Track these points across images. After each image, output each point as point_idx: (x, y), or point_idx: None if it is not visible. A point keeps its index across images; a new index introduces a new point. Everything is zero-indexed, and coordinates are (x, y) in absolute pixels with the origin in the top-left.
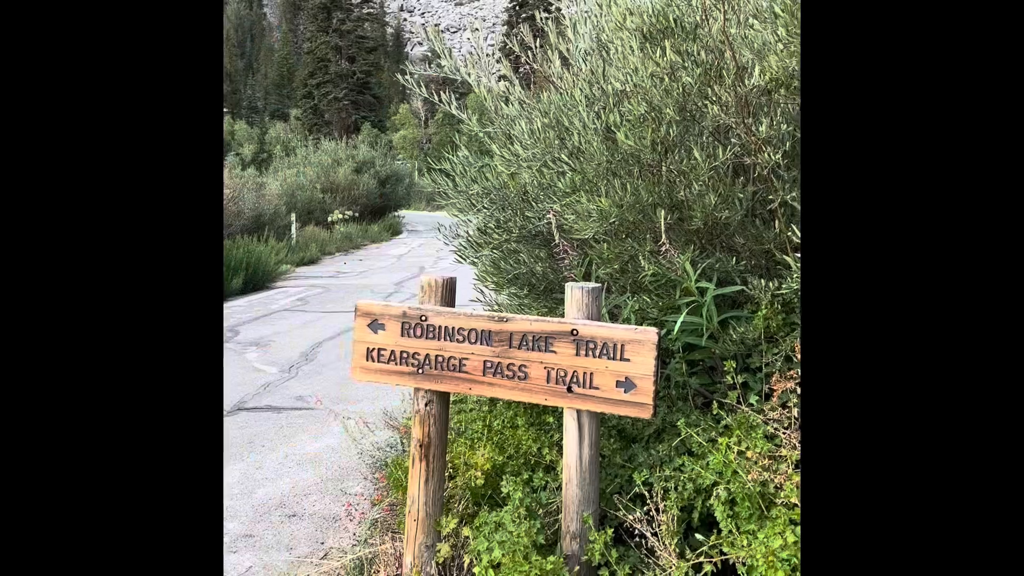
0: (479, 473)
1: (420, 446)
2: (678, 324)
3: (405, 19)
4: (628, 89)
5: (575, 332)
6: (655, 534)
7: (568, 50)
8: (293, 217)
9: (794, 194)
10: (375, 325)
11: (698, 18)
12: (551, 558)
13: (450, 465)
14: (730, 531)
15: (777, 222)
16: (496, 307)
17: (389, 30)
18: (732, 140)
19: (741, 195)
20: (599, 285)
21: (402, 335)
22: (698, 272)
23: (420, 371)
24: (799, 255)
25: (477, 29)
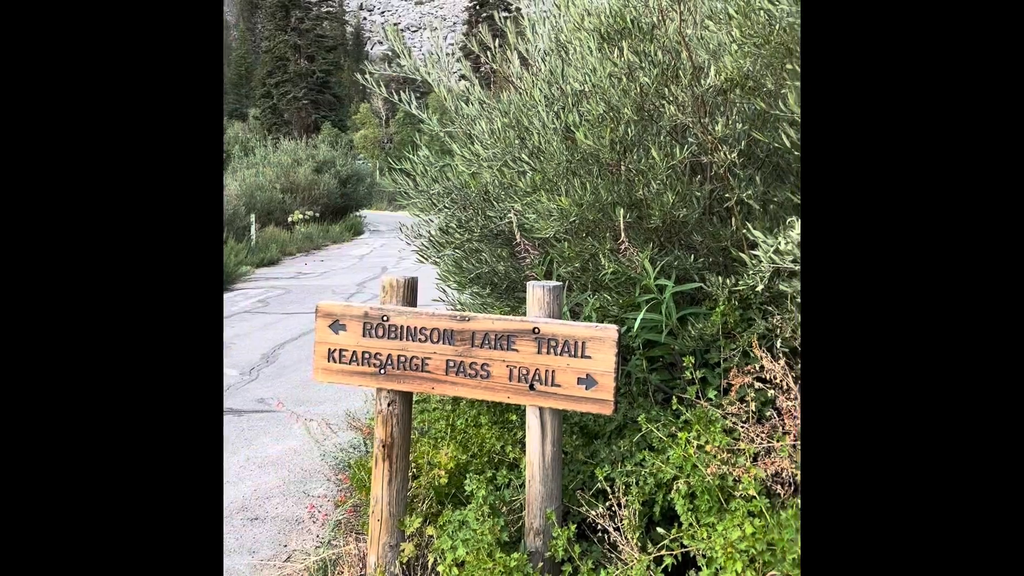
0: (443, 472)
1: (383, 446)
2: (638, 321)
3: (365, 18)
4: (587, 89)
5: (537, 330)
6: (617, 529)
7: (527, 50)
8: (252, 218)
9: (750, 192)
10: (336, 326)
11: (655, 19)
12: (515, 555)
13: (414, 465)
14: (690, 524)
15: (734, 220)
16: (459, 306)
17: (349, 29)
18: (689, 139)
19: (698, 193)
20: (560, 284)
21: (364, 336)
22: (657, 270)
23: (382, 371)
24: (754, 252)
25: (436, 28)
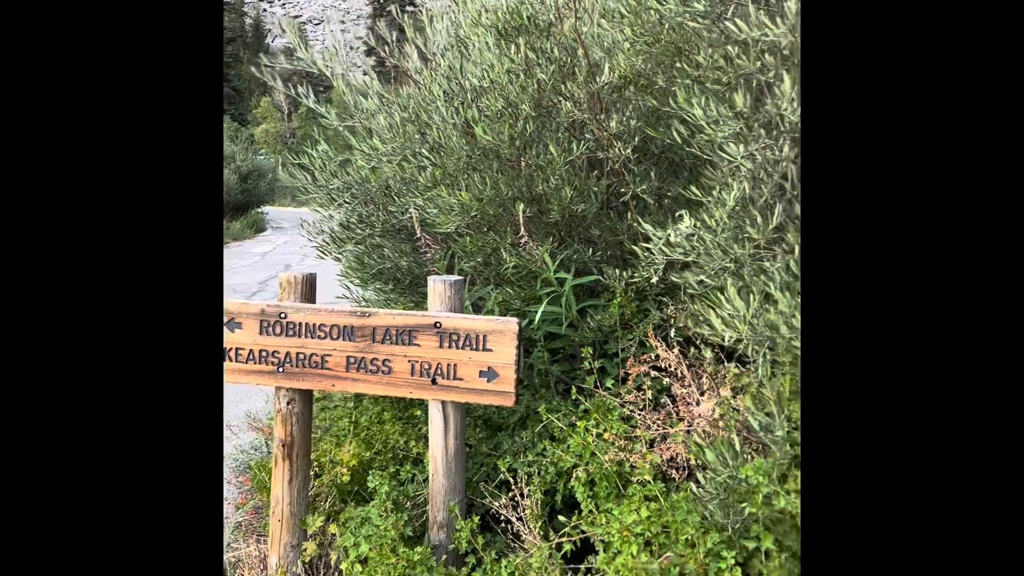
0: (345, 470)
1: (283, 445)
2: (539, 314)
3: (265, 9)
4: (485, 85)
5: (438, 324)
6: (520, 519)
7: (425, 45)
8: None
9: (644, 187)
10: (232, 324)
11: (551, 17)
12: (418, 549)
13: (316, 464)
14: (590, 511)
15: (630, 214)
16: (363, 303)
17: (248, 20)
18: (586, 135)
19: (596, 188)
20: (461, 278)
21: (261, 333)
22: (557, 263)
23: (280, 369)
24: (646, 245)
25: (340, 21)
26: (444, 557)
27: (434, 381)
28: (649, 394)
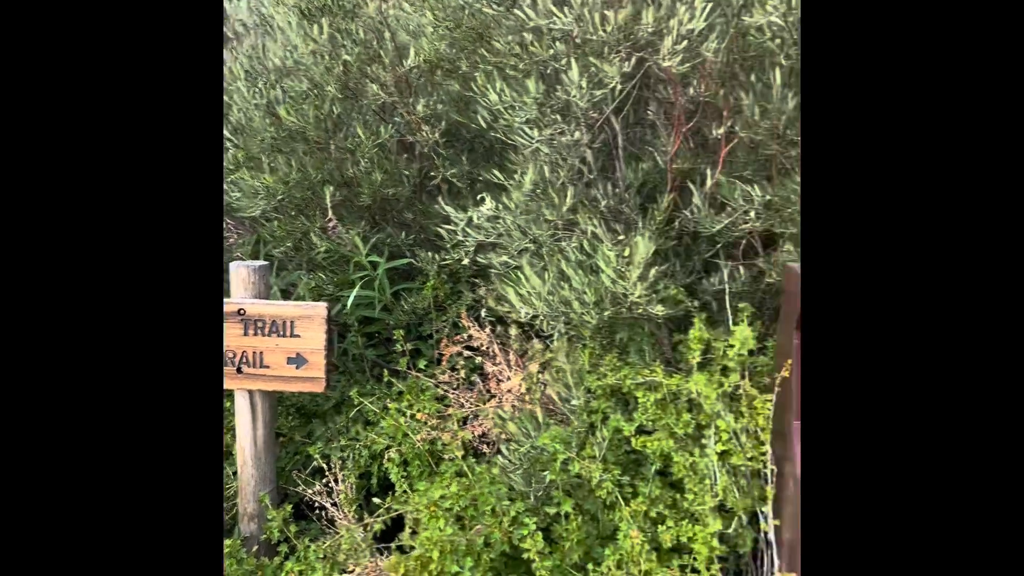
0: None
1: None
2: (351, 298)
3: None
4: (289, 65)
5: (242, 312)
6: (334, 504)
7: (226, 23)
8: None
9: (455, 171)
10: None
11: None
12: (227, 541)
13: None
14: (404, 490)
15: (442, 197)
16: None
17: None
18: (396, 119)
19: (407, 172)
20: (266, 263)
21: None
22: (369, 247)
23: None
24: (450, 227)
25: None
26: (256, 548)
27: (239, 370)
28: (462, 373)
